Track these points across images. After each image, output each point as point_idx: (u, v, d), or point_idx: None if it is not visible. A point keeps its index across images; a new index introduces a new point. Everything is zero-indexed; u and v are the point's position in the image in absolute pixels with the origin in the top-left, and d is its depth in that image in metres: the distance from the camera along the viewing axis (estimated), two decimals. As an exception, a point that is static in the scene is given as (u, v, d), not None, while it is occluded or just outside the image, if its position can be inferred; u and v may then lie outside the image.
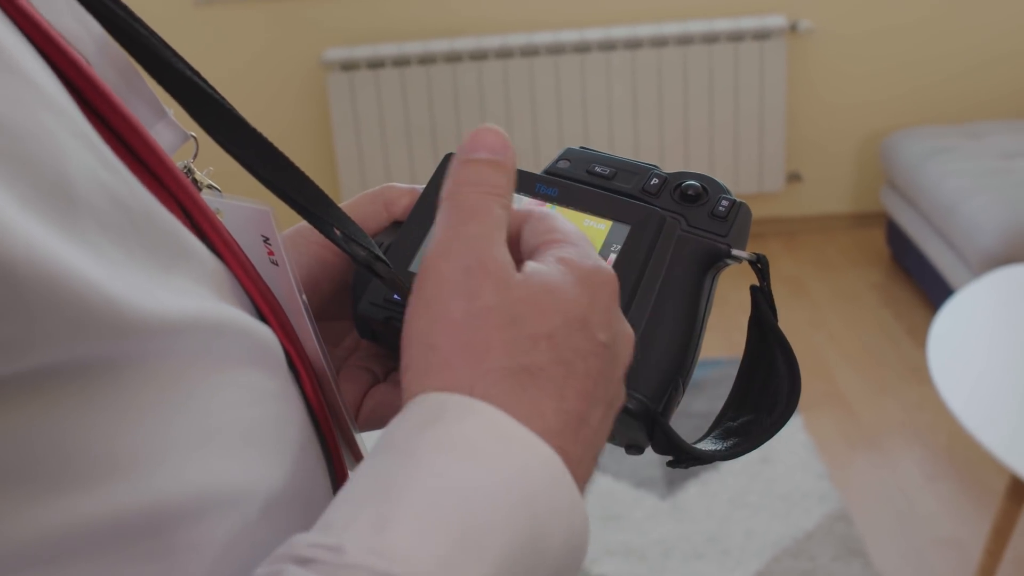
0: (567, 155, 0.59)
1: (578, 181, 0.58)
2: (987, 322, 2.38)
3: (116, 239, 0.35)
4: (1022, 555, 2.30)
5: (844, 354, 3.20)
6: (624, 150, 3.76)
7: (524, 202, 0.57)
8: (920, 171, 3.36)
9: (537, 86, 3.78)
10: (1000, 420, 2.00)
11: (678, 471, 2.61)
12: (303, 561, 0.34)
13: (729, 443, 0.54)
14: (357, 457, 0.54)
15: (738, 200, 0.56)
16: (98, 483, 0.34)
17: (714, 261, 0.55)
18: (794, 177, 3.97)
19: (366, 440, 0.56)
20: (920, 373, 2.98)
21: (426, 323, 0.42)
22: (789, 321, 3.42)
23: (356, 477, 0.38)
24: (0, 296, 0.30)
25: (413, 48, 3.74)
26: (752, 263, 0.55)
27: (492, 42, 3.73)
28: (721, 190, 0.56)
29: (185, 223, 0.41)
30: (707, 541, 2.39)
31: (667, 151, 3.85)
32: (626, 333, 0.46)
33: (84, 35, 0.45)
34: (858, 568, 2.28)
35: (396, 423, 0.40)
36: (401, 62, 3.75)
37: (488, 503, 0.37)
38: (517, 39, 3.73)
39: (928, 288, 3.39)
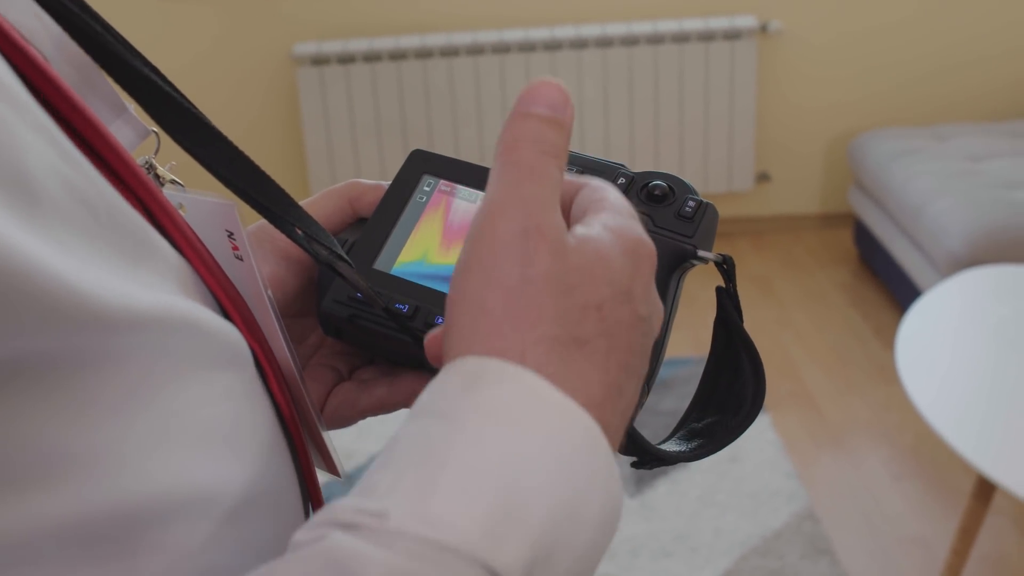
0: None
1: None
2: (954, 323, 2.40)
3: (79, 233, 0.34)
4: (988, 554, 2.32)
5: (811, 353, 3.22)
6: (594, 148, 3.76)
7: None
8: (887, 172, 3.39)
9: (508, 83, 3.77)
10: (967, 421, 2.01)
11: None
12: (347, 526, 0.34)
13: (694, 444, 0.54)
14: (324, 456, 0.54)
15: (705, 201, 0.55)
16: (59, 483, 0.33)
17: (680, 262, 0.54)
18: (763, 177, 3.99)
19: (332, 438, 0.55)
20: (887, 373, 3.01)
21: (478, 284, 0.41)
22: (756, 320, 3.44)
23: (397, 440, 0.38)
24: None
25: (384, 44, 3.72)
26: (718, 264, 0.54)
27: (463, 39, 3.72)
28: (688, 190, 0.56)
29: (146, 219, 0.40)
30: (676, 539, 2.39)
31: (637, 150, 3.85)
32: (659, 308, 0.45)
33: (41, 31, 0.44)
34: (825, 567, 2.29)
35: (435, 385, 0.39)
36: (372, 57, 3.74)
37: (530, 470, 0.37)
38: (488, 36, 3.73)
39: (895, 288, 3.42)
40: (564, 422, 0.38)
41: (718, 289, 0.55)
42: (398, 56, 3.74)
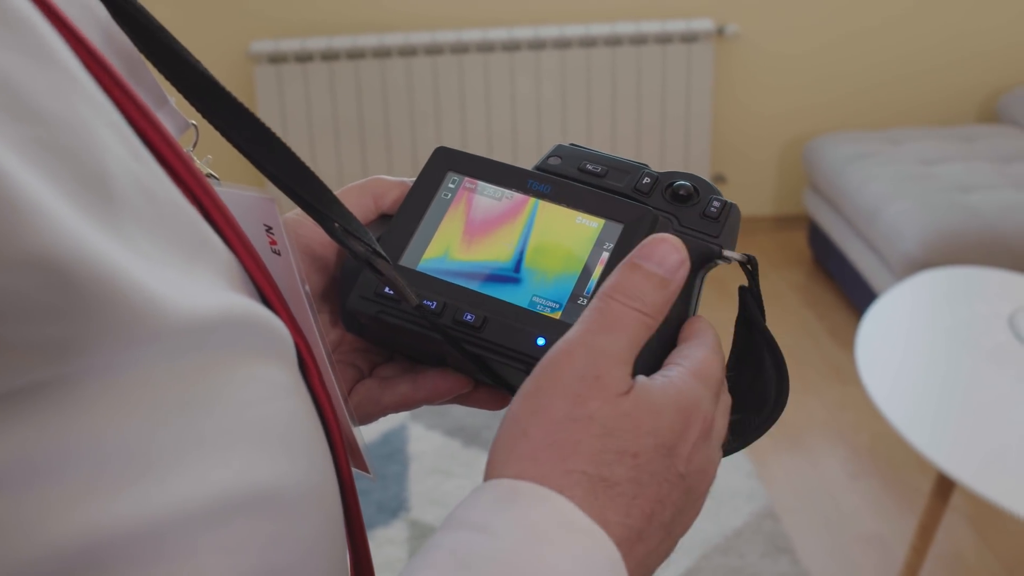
0: (558, 152, 0.59)
1: (570, 178, 0.58)
2: (910, 324, 2.44)
3: (149, 232, 0.34)
4: (945, 552, 2.36)
5: (768, 354, 3.24)
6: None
7: (515, 198, 0.57)
8: (842, 175, 3.43)
9: (466, 83, 3.77)
10: (924, 419, 2.05)
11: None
12: None
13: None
14: (355, 453, 0.54)
15: (729, 201, 0.56)
16: (129, 485, 0.33)
17: (706, 261, 0.55)
18: (718, 179, 4.02)
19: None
20: (842, 373, 3.04)
21: (527, 411, 0.44)
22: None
23: (433, 549, 0.40)
24: (54, 296, 0.29)
25: (342, 42, 3.70)
26: (743, 264, 0.55)
27: (422, 38, 3.71)
28: (712, 191, 0.56)
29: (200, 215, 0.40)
30: (637, 539, 2.41)
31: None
32: (706, 472, 0.47)
33: (90, 20, 0.44)
34: (785, 565, 2.32)
35: (470, 501, 0.42)
36: (330, 56, 3.72)
37: None
38: (447, 36, 3.72)
39: (849, 290, 3.46)
40: (593, 546, 0.41)
41: (741, 288, 0.56)
42: (356, 55, 3.72)
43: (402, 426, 2.81)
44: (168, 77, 0.42)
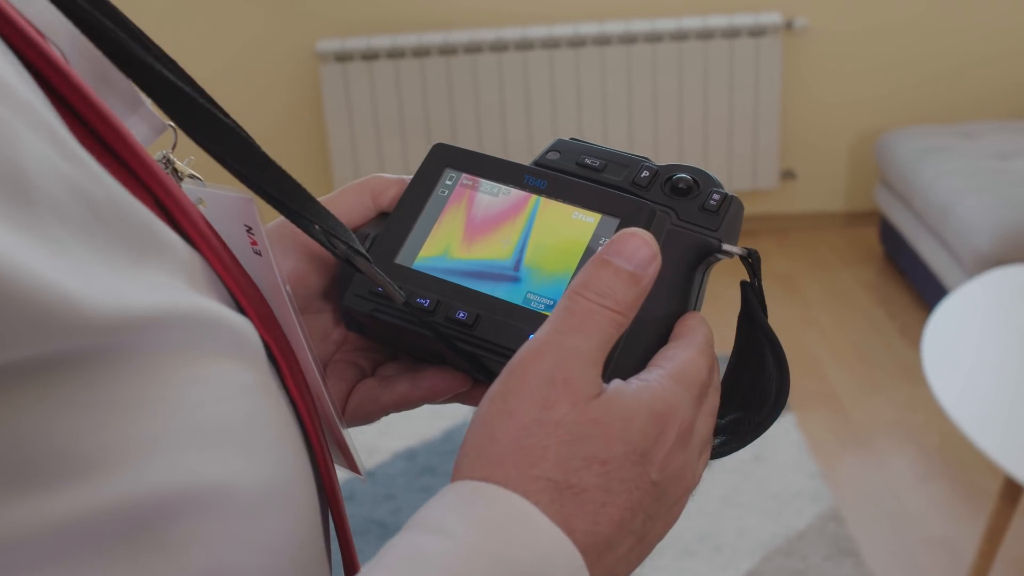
0: (557, 146, 0.58)
1: (568, 173, 0.57)
2: (980, 323, 2.38)
3: (77, 232, 0.33)
4: (1015, 556, 2.30)
5: (836, 353, 3.19)
6: (618, 145, 3.74)
7: (512, 194, 0.56)
8: (914, 170, 3.36)
9: (531, 80, 3.76)
10: (993, 421, 1.99)
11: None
12: None
13: (717, 441, 0.53)
14: (345, 454, 0.53)
15: (730, 194, 0.54)
16: (66, 482, 0.32)
17: (704, 256, 0.54)
18: (788, 174, 3.97)
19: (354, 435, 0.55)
20: (912, 373, 2.98)
21: (495, 414, 0.43)
22: (780, 319, 3.41)
23: (389, 550, 0.40)
24: None
25: (407, 40, 3.72)
26: (743, 258, 0.54)
27: (487, 35, 3.72)
28: (712, 183, 0.55)
29: (159, 214, 0.40)
30: (698, 539, 2.38)
31: (661, 147, 3.83)
32: (682, 478, 0.46)
33: (59, 26, 0.44)
34: (849, 568, 2.27)
35: (432, 503, 0.42)
36: (395, 54, 3.74)
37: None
38: (512, 32, 3.72)
39: (921, 287, 3.39)
40: (552, 549, 0.40)
41: (743, 283, 0.54)
42: (421, 52, 3.74)
43: (464, 423, 2.82)
44: (130, 78, 0.42)
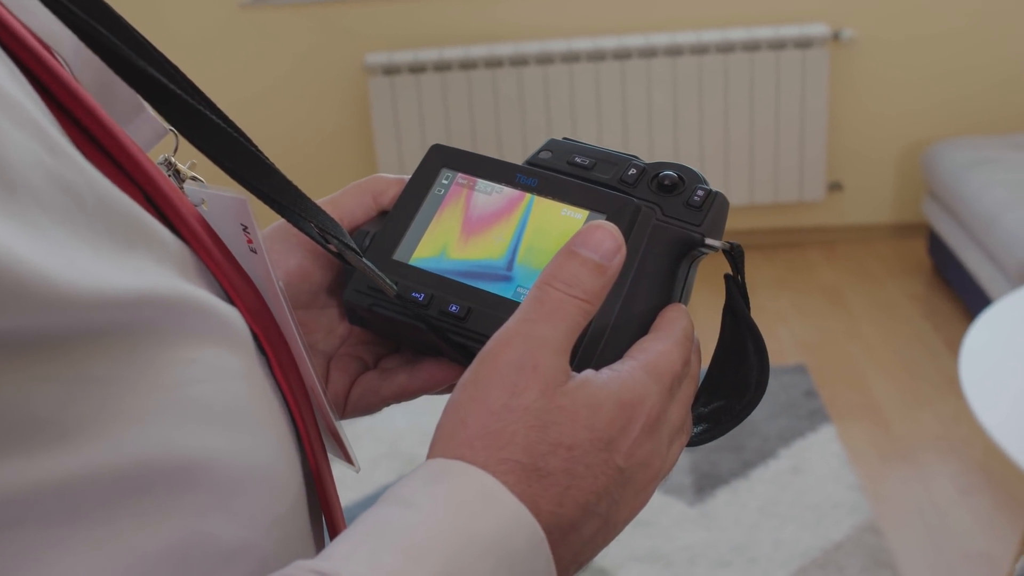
0: (549, 146, 0.60)
1: (558, 171, 0.59)
2: (1022, 334, 2.35)
3: (59, 219, 0.36)
4: (1054, 571, 2.27)
5: (880, 365, 3.17)
6: (664, 157, 3.75)
7: (506, 192, 0.58)
8: (961, 182, 3.33)
9: (577, 92, 3.78)
10: (1032, 433, 1.97)
11: (707, 478, 2.60)
12: None
13: (699, 429, 0.55)
14: (339, 443, 0.56)
15: (714, 190, 0.56)
16: (44, 449, 0.35)
17: (688, 250, 0.55)
18: (835, 186, 3.95)
19: (345, 426, 0.57)
20: (957, 386, 2.94)
21: (466, 399, 0.45)
22: (824, 331, 3.40)
23: (360, 521, 0.42)
24: None
25: (454, 53, 3.76)
26: (726, 252, 0.56)
27: (532, 48, 3.74)
28: (698, 180, 0.57)
29: (150, 210, 0.43)
30: (734, 549, 2.38)
31: (707, 159, 3.83)
32: (649, 465, 0.48)
33: (63, 35, 0.47)
34: (886, 580, 2.26)
35: (403, 480, 0.44)
36: (442, 67, 3.78)
37: (471, 551, 0.40)
38: (557, 45, 3.74)
39: (968, 300, 3.36)
40: (514, 522, 0.42)
41: (726, 276, 0.56)
42: (468, 65, 3.78)
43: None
44: (126, 82, 0.45)
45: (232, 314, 0.44)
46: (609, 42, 3.74)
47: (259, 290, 0.48)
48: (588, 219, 0.55)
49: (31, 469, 0.35)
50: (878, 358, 3.22)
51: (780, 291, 3.68)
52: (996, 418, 1.98)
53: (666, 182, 0.56)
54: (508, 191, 0.58)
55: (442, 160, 0.60)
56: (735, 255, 0.56)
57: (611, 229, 0.48)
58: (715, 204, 0.56)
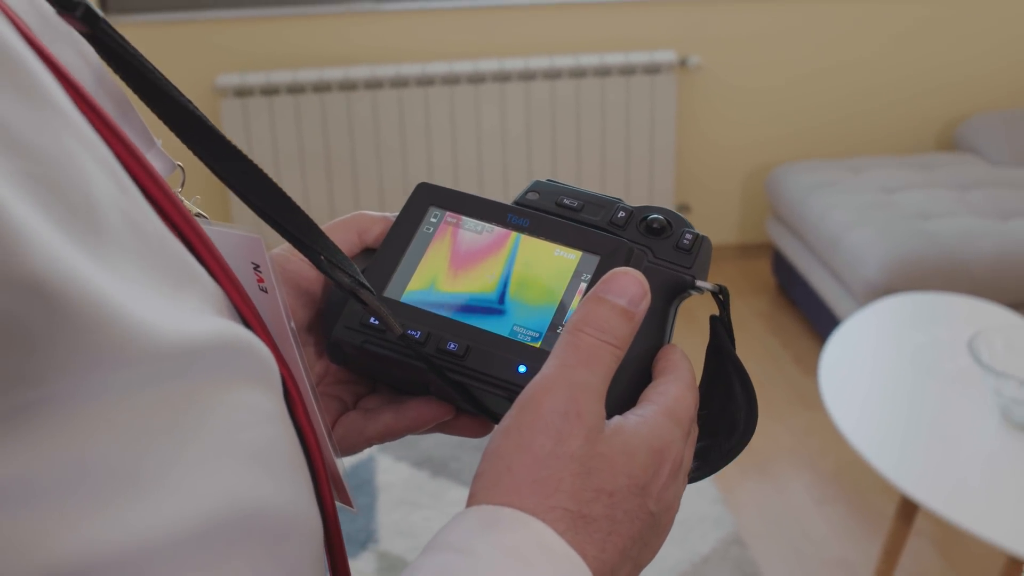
0: (535, 187, 0.61)
1: (548, 212, 0.60)
2: (873, 350, 2.47)
3: (136, 262, 0.35)
4: (911, 574, 2.39)
5: (734, 381, 3.26)
6: (518, 180, 3.79)
7: (494, 231, 0.58)
8: (804, 204, 3.47)
9: (432, 116, 3.79)
10: (888, 443, 2.07)
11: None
12: None
13: (691, 467, 0.56)
14: (339, 487, 0.55)
15: (700, 234, 0.58)
16: (117, 508, 0.33)
17: (679, 292, 0.57)
18: (683, 208, 4.06)
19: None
20: (807, 400, 3.07)
21: (511, 447, 0.45)
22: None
23: (415, 569, 0.42)
24: (41, 317, 0.30)
25: (308, 76, 3.72)
26: (715, 294, 0.57)
27: (387, 71, 3.74)
28: (683, 224, 0.59)
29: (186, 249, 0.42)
30: (607, 567, 2.41)
31: (560, 177, 3.86)
32: (673, 507, 0.50)
33: (83, 66, 0.46)
34: (754, 590, 2.33)
35: (452, 524, 0.44)
36: (296, 89, 3.73)
37: None
38: (412, 69, 3.75)
39: (813, 317, 3.50)
40: (569, 570, 0.43)
41: (712, 317, 0.58)
42: (322, 88, 3.74)
43: (370, 458, 2.81)
44: (159, 115, 0.44)
45: (266, 353, 0.43)
46: (464, 66, 3.76)
47: (270, 330, 0.48)
48: (581, 259, 0.57)
49: (107, 528, 0.33)
50: (731, 374, 3.31)
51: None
52: (854, 429, 2.07)
53: (655, 225, 0.58)
54: (496, 229, 0.59)
55: (429, 199, 0.61)
56: (723, 297, 0.57)
57: (636, 275, 0.49)
58: (703, 247, 0.58)
